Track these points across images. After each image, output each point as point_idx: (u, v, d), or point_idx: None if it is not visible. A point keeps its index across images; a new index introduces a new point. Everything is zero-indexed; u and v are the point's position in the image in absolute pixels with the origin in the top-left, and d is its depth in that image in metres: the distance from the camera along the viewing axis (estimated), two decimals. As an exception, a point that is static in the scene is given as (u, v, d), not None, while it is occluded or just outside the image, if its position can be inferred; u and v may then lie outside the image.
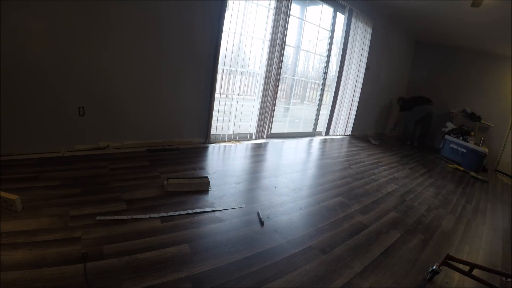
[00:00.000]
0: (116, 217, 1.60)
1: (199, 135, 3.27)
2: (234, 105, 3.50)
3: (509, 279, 1.66)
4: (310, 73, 4.87)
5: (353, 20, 4.56)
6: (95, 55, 2.34)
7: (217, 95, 3.24)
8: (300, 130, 4.80)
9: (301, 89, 5.10)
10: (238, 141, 3.68)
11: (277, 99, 3.89)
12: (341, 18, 4.55)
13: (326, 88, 4.81)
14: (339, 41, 4.69)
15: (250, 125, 3.83)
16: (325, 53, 4.60)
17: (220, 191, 2.19)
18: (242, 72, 3.54)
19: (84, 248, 1.31)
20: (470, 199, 3.25)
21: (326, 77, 4.70)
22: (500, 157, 5.44)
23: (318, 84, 4.78)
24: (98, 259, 1.27)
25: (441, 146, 5.43)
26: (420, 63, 6.62)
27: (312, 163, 3.55)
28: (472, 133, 5.25)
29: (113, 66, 2.46)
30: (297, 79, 4.63)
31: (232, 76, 3.40)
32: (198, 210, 1.84)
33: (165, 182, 2.06)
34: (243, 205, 2.04)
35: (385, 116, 6.54)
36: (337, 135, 5.25)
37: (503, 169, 5.35)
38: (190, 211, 1.81)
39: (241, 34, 3.25)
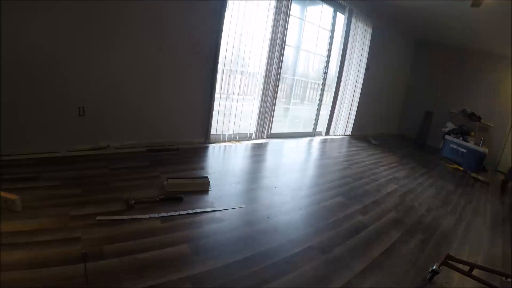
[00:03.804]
0: (116, 217, 1.60)
1: (199, 135, 3.27)
2: (234, 105, 3.50)
3: (509, 279, 1.66)
4: (310, 73, 4.86)
5: (353, 20, 4.56)
6: (95, 55, 2.34)
7: (217, 95, 3.24)
8: (300, 130, 4.80)
9: (301, 89, 5.08)
10: (238, 141, 3.68)
11: (277, 99, 3.89)
12: (341, 18, 4.54)
13: (326, 88, 4.80)
14: (339, 41, 4.68)
15: (250, 125, 3.83)
16: (325, 53, 4.60)
17: (220, 191, 2.19)
18: (242, 72, 3.54)
19: (84, 248, 1.31)
20: (470, 199, 3.24)
21: (326, 77, 4.70)
22: (500, 157, 5.44)
23: (318, 84, 4.77)
24: (98, 259, 1.27)
25: (441, 146, 5.43)
26: (420, 63, 6.61)
27: (312, 163, 3.55)
28: (472, 133, 5.24)
29: (113, 66, 2.46)
30: (297, 79, 4.62)
31: (232, 76, 3.40)
32: (198, 210, 1.84)
33: (165, 182, 2.06)
34: (243, 205, 2.03)
35: (385, 116, 6.55)
36: (337, 135, 5.24)
37: (503, 169, 5.35)
38: (190, 211, 1.80)
39: (241, 34, 3.25)
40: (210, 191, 2.15)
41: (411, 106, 6.78)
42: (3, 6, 1.85)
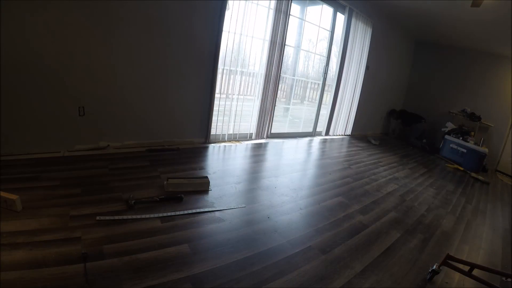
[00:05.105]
0: (116, 217, 1.60)
1: (199, 135, 3.27)
2: (234, 105, 3.50)
3: (509, 279, 1.66)
4: (310, 73, 4.86)
5: (353, 20, 4.55)
6: (95, 55, 2.34)
7: (217, 95, 3.24)
8: (300, 130, 4.80)
9: (301, 89, 5.09)
10: (238, 141, 3.68)
11: (277, 99, 3.88)
12: (341, 18, 4.54)
13: (326, 88, 4.80)
14: (339, 41, 4.68)
15: (250, 125, 3.83)
16: (325, 53, 4.60)
17: (220, 191, 2.19)
18: (242, 72, 3.54)
19: (84, 248, 1.31)
20: (470, 199, 3.25)
21: (326, 77, 4.70)
22: (500, 157, 5.44)
23: (318, 84, 4.78)
24: (98, 259, 1.27)
25: (441, 146, 5.43)
26: (420, 63, 6.61)
27: (312, 163, 3.55)
28: (472, 133, 5.24)
29: (113, 66, 2.46)
30: (297, 79, 4.62)
31: (232, 76, 3.40)
32: (198, 210, 1.84)
33: (165, 182, 2.06)
34: (243, 205, 2.03)
35: (385, 116, 6.54)
36: (337, 135, 5.24)
37: (503, 169, 5.35)
38: (190, 211, 1.81)
39: (241, 34, 3.25)
40: (210, 191, 2.15)
41: (411, 106, 6.77)
42: (3, 6, 1.85)
